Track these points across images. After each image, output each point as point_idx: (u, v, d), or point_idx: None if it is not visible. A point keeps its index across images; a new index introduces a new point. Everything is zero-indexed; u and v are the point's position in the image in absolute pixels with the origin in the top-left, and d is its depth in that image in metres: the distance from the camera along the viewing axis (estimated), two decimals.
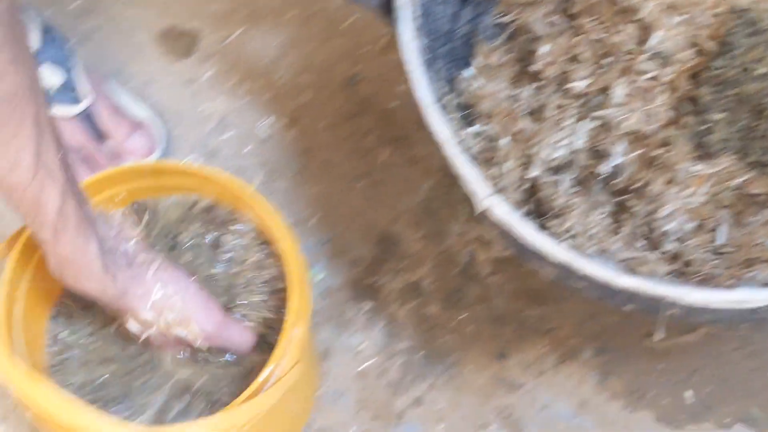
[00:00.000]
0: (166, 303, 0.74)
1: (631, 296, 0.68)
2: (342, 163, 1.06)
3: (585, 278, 0.67)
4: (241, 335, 0.81)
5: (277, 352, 0.76)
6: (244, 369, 0.83)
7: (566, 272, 0.69)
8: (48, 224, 0.66)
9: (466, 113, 0.86)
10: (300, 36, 1.13)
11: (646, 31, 0.82)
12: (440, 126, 0.68)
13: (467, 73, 0.88)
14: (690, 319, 0.75)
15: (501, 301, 0.98)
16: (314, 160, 1.06)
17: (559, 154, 0.81)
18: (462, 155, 0.67)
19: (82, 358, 0.84)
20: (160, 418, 0.81)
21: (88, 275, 0.70)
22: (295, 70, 1.11)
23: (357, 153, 1.06)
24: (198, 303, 0.77)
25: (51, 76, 0.99)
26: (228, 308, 0.83)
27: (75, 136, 1.01)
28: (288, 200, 1.03)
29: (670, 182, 0.77)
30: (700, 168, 0.76)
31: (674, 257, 0.77)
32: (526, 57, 0.88)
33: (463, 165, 0.67)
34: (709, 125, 0.77)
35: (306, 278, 0.80)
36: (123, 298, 0.73)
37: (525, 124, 0.83)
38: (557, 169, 0.82)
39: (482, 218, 0.74)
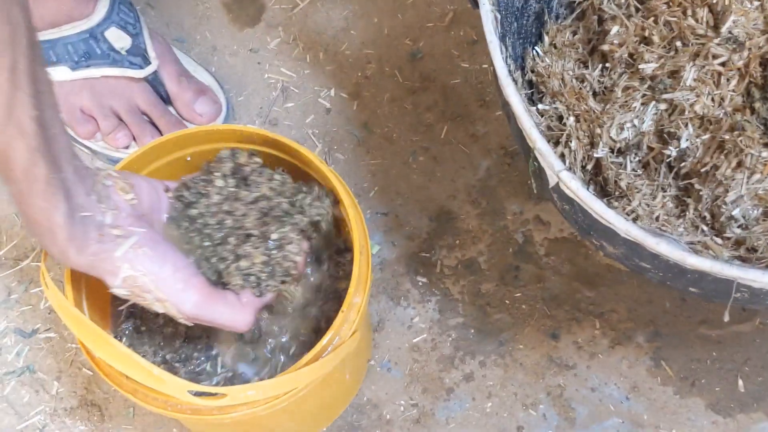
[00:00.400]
0: (136, 282, 0.70)
1: (698, 279, 0.68)
2: (402, 137, 1.06)
3: (654, 258, 0.67)
4: (232, 316, 0.75)
5: (338, 319, 0.77)
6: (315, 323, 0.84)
7: (634, 251, 0.69)
8: (14, 181, 0.64)
9: (530, 92, 0.86)
10: (366, 9, 1.13)
11: (719, 15, 0.82)
12: (517, 98, 0.68)
13: (535, 51, 0.88)
14: (752, 305, 0.75)
15: (555, 283, 0.98)
16: (375, 133, 1.06)
17: (626, 135, 0.81)
18: (537, 129, 0.67)
19: (148, 324, 0.85)
20: (231, 379, 0.83)
21: (51, 241, 0.67)
22: (360, 42, 1.11)
23: (417, 128, 1.06)
24: (173, 285, 0.72)
25: (118, 40, 1.00)
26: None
27: (142, 99, 1.02)
28: (347, 171, 1.04)
29: (737, 167, 0.76)
30: None
31: (737, 243, 0.77)
32: (594, 37, 0.88)
33: (540, 138, 0.67)
34: None
35: (368, 248, 0.81)
36: (91, 271, 0.70)
37: (592, 104, 0.83)
38: (622, 151, 0.82)
39: (548, 195, 0.74)
